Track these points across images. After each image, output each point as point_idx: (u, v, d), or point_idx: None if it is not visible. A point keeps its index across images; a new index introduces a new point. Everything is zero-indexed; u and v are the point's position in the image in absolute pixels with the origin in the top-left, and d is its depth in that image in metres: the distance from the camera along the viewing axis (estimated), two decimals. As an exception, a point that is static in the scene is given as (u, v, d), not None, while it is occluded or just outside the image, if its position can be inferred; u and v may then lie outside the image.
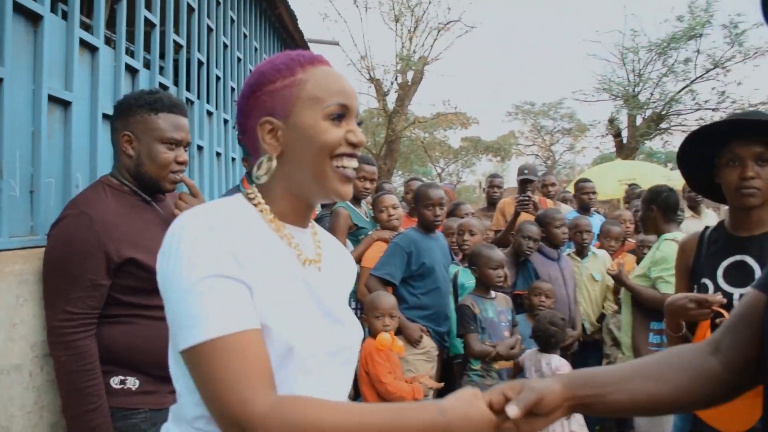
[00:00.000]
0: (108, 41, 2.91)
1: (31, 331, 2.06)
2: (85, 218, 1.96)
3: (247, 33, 5.37)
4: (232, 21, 4.92)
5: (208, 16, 4.33)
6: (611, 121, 19.51)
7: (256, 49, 5.69)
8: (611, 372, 1.27)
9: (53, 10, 2.50)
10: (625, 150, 18.69)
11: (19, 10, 2.14)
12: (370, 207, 4.43)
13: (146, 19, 3.26)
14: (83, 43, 2.54)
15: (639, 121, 18.87)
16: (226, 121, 4.68)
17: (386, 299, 3.34)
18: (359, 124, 1.22)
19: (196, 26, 4.09)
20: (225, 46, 4.72)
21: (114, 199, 2.08)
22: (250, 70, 5.22)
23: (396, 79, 19.06)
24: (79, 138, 2.48)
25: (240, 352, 1.00)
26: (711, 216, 6.07)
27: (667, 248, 3.33)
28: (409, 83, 18.97)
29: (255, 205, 1.20)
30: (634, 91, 18.70)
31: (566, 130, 29.73)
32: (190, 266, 1.03)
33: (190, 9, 3.99)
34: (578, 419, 3.69)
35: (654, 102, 18.54)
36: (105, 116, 2.58)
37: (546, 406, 1.12)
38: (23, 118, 2.16)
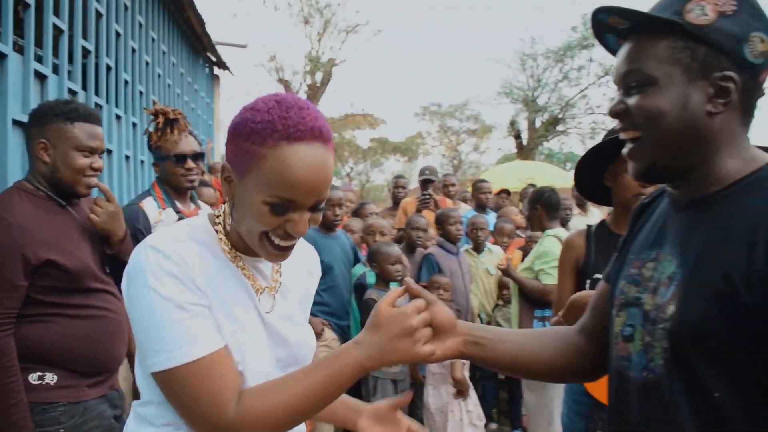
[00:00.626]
0: (17, 47, 2.96)
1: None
2: (2, 223, 2.03)
3: (156, 37, 5.41)
4: (141, 25, 4.96)
5: (117, 21, 4.37)
6: (512, 123, 20.45)
7: (164, 53, 5.72)
8: (503, 329, 1.54)
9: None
10: (525, 151, 19.67)
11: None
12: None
13: (54, 25, 3.31)
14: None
15: (538, 123, 19.89)
16: (134, 125, 4.72)
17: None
18: (318, 208, 1.17)
19: (105, 31, 4.13)
20: (133, 50, 4.77)
21: (30, 203, 2.16)
22: (159, 74, 5.29)
23: (305, 80, 19.17)
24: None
25: (207, 374, 1.08)
26: (596, 214, 6.64)
27: (549, 243, 3.73)
28: (318, 84, 19.12)
29: (217, 231, 1.23)
30: (533, 95, 19.70)
31: (471, 131, 30.66)
32: (155, 294, 1.08)
33: (98, 14, 4.03)
34: (474, 400, 4.04)
35: (551, 106, 19.60)
36: (15, 122, 2.62)
37: (441, 323, 1.26)
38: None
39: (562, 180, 12.22)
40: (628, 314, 1.20)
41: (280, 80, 19.11)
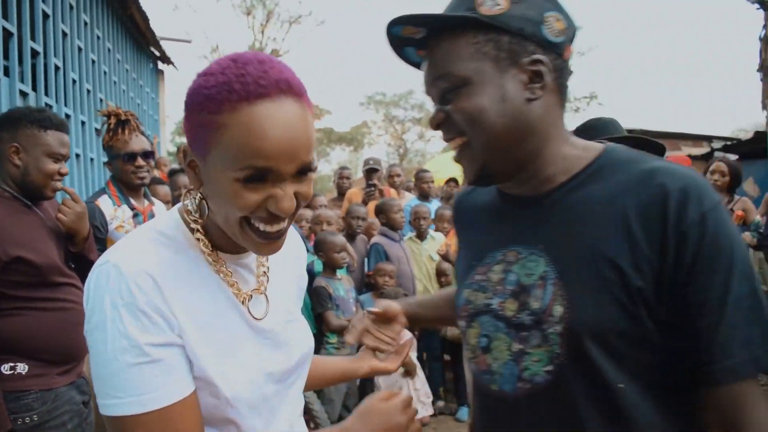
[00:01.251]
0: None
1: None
2: None
3: (101, 35, 5.46)
4: (86, 24, 5.02)
5: (63, 21, 4.43)
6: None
7: (109, 50, 5.77)
8: (429, 298, 1.71)
9: None
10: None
11: None
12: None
13: (3, 28, 3.39)
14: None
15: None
16: (83, 123, 4.79)
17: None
18: (308, 170, 0.96)
19: (52, 32, 4.20)
20: (80, 49, 4.82)
21: None
22: (105, 72, 5.35)
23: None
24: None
25: (162, 428, 0.93)
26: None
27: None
28: (263, 76, 19.05)
29: (193, 231, 1.04)
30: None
31: (416, 119, 30.99)
32: (112, 328, 0.92)
33: (45, 15, 4.10)
34: (421, 379, 4.32)
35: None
36: None
37: (390, 312, 1.44)
38: None
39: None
40: (481, 323, 1.13)
41: (224, 72, 18.96)
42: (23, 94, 3.64)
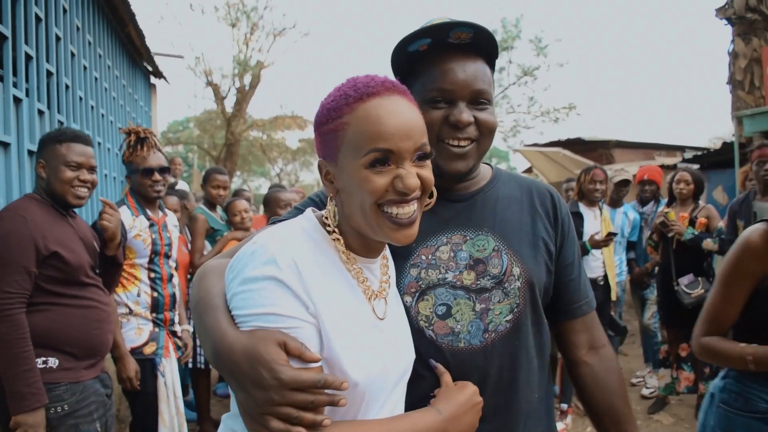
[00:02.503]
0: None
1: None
2: (20, 218, 2.43)
3: (102, 53, 5.73)
4: (90, 43, 5.30)
5: (72, 43, 4.71)
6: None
7: (108, 67, 6.04)
8: None
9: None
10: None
11: None
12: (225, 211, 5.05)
13: (27, 54, 3.66)
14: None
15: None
16: (60, 123, 5.04)
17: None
18: (425, 157, 1.10)
19: (63, 53, 4.48)
20: (85, 68, 5.10)
21: (39, 208, 2.56)
22: (105, 88, 5.62)
23: (234, 83, 19.26)
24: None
25: None
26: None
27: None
28: (247, 87, 19.23)
29: (330, 233, 1.15)
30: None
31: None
32: (255, 297, 1.02)
33: (57, 38, 4.38)
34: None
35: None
36: None
37: None
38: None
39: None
40: (437, 294, 1.33)
41: (209, 83, 19.12)
42: (40, 113, 3.90)
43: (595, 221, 5.05)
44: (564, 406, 5.03)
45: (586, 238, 4.85)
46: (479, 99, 1.31)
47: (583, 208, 5.08)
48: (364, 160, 1.04)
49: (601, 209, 5.13)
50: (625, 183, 5.80)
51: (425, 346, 1.31)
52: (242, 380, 0.97)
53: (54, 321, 2.50)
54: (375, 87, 1.08)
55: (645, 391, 5.73)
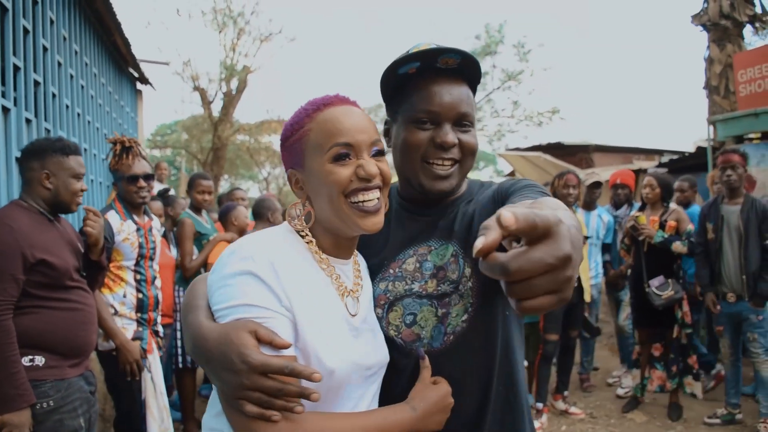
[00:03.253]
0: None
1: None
2: (6, 228, 2.53)
3: (89, 62, 5.84)
4: (76, 53, 5.41)
5: (59, 53, 4.82)
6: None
7: (95, 75, 6.14)
8: None
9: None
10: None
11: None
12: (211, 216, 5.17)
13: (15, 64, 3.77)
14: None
15: (447, 127, 20.90)
16: (47, 131, 5.15)
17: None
18: (380, 153, 1.24)
19: (50, 63, 4.59)
20: (71, 76, 5.21)
21: (26, 215, 2.66)
22: (92, 95, 5.73)
23: (221, 87, 19.32)
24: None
25: None
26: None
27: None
28: (234, 92, 19.28)
29: (303, 237, 1.26)
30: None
31: (386, 131, 31.34)
32: (233, 291, 1.11)
33: (45, 48, 4.49)
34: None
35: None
36: None
37: None
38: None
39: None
40: (404, 306, 1.41)
41: (196, 88, 19.16)
42: (28, 122, 4.01)
43: (569, 225, 5.22)
44: (539, 405, 5.19)
45: (559, 241, 5.01)
46: (463, 121, 1.38)
47: (557, 212, 5.24)
48: (328, 155, 1.17)
49: (574, 213, 5.30)
50: (596, 185, 5.98)
51: (396, 354, 1.39)
52: (215, 366, 1.04)
53: (40, 322, 2.61)
54: (330, 99, 1.24)
55: (620, 391, 5.89)
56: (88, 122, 5.72)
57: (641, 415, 5.35)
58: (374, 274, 1.45)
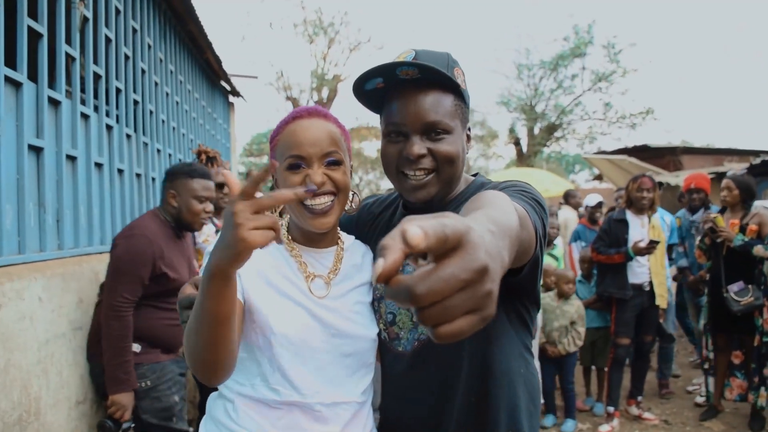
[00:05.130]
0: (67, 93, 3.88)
1: (70, 310, 3.08)
2: (145, 239, 2.95)
3: (183, 79, 6.37)
4: (171, 72, 5.92)
5: (155, 74, 5.33)
6: (510, 131, 21.23)
7: (189, 91, 6.68)
8: None
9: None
10: (525, 157, 20.43)
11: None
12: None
13: (96, 73, 4.26)
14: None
15: (536, 130, 20.66)
16: (170, 155, 5.65)
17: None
18: (334, 163, 1.36)
19: (148, 83, 5.09)
20: (167, 94, 5.73)
21: (160, 228, 3.08)
22: (186, 110, 6.24)
23: (312, 97, 20.01)
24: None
25: None
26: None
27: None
28: (325, 101, 19.92)
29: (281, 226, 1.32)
30: (530, 103, 20.49)
31: (478, 137, 31.24)
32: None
33: (143, 71, 4.99)
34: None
35: (548, 113, 20.37)
36: (30, 147, 3.04)
37: None
38: None
39: (555, 186, 12.92)
40: (386, 305, 1.46)
41: (289, 98, 19.96)
42: (128, 137, 4.49)
43: (641, 229, 5.17)
44: (611, 409, 5.17)
45: (630, 245, 5.00)
46: (434, 130, 1.36)
47: (630, 215, 5.21)
48: (284, 164, 1.34)
49: (650, 217, 5.25)
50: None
51: (382, 346, 1.49)
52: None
53: (142, 319, 3.01)
54: (300, 112, 1.39)
55: (699, 399, 5.74)
56: (183, 135, 6.24)
57: (719, 424, 5.21)
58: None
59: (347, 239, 1.55)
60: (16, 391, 2.55)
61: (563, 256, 6.62)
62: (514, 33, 39.22)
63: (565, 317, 5.05)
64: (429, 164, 1.38)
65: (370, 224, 1.64)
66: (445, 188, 1.43)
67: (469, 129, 1.48)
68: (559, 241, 6.85)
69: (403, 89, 1.37)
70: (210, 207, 3.18)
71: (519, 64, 20.55)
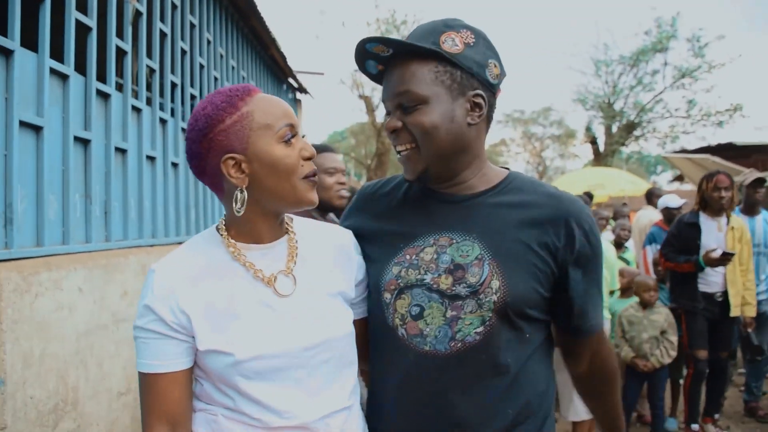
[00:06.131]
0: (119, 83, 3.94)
1: (113, 302, 3.10)
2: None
3: (246, 75, 6.43)
4: (233, 68, 5.99)
5: (215, 69, 5.39)
6: (587, 129, 20.56)
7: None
8: None
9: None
10: (602, 156, 19.73)
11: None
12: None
13: (172, 83, 4.30)
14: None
15: (614, 129, 19.92)
16: None
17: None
18: (302, 135, 1.30)
19: (206, 79, 5.15)
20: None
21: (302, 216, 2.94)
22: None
23: (383, 94, 20.03)
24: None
25: (148, 389, 1.21)
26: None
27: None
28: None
29: (221, 235, 1.29)
30: (609, 101, 19.78)
31: (555, 136, 30.53)
32: (138, 311, 1.23)
33: (202, 66, 5.05)
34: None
35: (627, 111, 19.60)
36: (76, 139, 3.07)
37: None
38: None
39: (632, 186, 12.36)
40: (413, 295, 1.32)
41: (361, 96, 20.08)
42: (183, 130, 4.53)
43: (718, 234, 4.73)
44: (694, 426, 4.79)
45: (703, 251, 4.60)
46: (404, 102, 1.29)
47: (704, 219, 4.78)
48: (279, 134, 1.20)
49: (729, 219, 4.84)
50: (759, 182, 5.33)
51: (395, 344, 1.34)
52: None
53: None
54: (249, 86, 1.25)
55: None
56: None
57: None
58: (389, 256, 1.38)
59: (300, 224, 1.41)
60: (52, 381, 2.58)
61: (635, 260, 6.25)
62: (593, 28, 37.94)
63: (653, 327, 4.60)
64: (406, 138, 1.31)
65: (378, 202, 1.52)
66: (438, 164, 1.33)
67: (479, 96, 1.30)
68: (630, 243, 6.49)
69: (389, 68, 1.33)
70: (342, 178, 2.99)
71: (597, 60, 19.89)
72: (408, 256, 1.35)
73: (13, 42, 2.57)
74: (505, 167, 1.46)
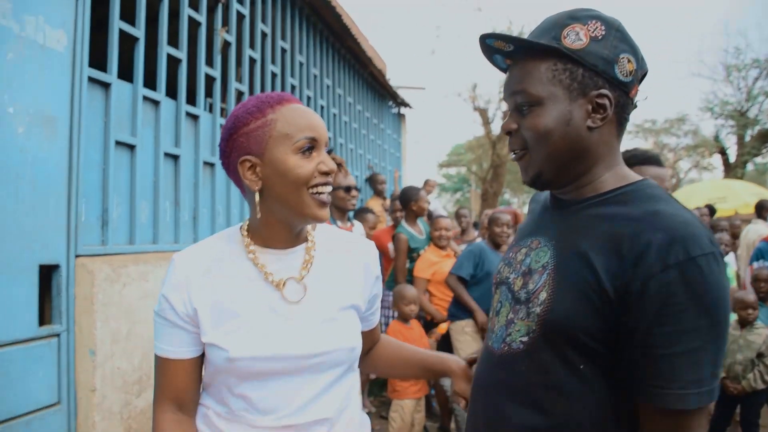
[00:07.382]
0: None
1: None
2: None
3: (342, 93, 6.89)
4: (328, 87, 6.45)
5: (308, 88, 5.86)
6: (715, 139, 19.30)
7: (350, 105, 7.19)
8: None
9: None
10: (732, 167, 18.42)
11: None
12: (428, 222, 5.61)
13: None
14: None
15: (747, 137, 18.55)
16: (339, 166, 6.15)
17: (410, 290, 4.27)
18: (329, 152, 1.30)
19: (306, 100, 5.61)
20: (322, 107, 6.24)
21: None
22: (345, 122, 6.72)
23: (499, 107, 19.98)
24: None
25: (160, 369, 1.31)
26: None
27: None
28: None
29: (242, 234, 1.33)
30: (741, 108, 18.47)
31: (690, 147, 28.81)
32: (158, 297, 1.30)
33: (292, 87, 5.53)
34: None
35: (762, 118, 18.19)
36: (167, 155, 3.56)
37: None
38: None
39: (757, 197, 11.45)
40: (501, 292, 1.32)
41: (476, 109, 20.14)
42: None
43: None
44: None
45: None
46: (520, 102, 1.20)
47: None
48: (295, 146, 1.21)
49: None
50: None
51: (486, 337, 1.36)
52: None
53: None
54: (285, 96, 1.27)
55: None
56: (340, 144, 6.72)
57: None
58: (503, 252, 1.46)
59: (323, 233, 1.42)
60: (137, 357, 3.05)
61: (734, 275, 5.96)
62: (723, 31, 35.39)
63: (750, 348, 4.31)
64: (518, 143, 1.23)
65: (535, 202, 1.47)
66: (552, 170, 1.21)
67: (604, 96, 1.15)
68: (730, 259, 6.18)
69: (511, 63, 1.25)
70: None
71: (728, 65, 18.67)
72: (510, 254, 1.35)
73: (111, 76, 3.11)
74: (643, 177, 1.25)
